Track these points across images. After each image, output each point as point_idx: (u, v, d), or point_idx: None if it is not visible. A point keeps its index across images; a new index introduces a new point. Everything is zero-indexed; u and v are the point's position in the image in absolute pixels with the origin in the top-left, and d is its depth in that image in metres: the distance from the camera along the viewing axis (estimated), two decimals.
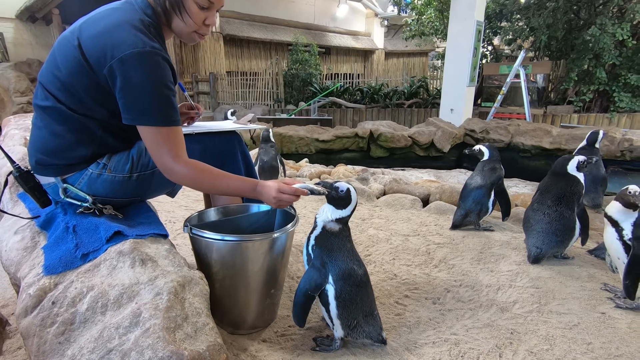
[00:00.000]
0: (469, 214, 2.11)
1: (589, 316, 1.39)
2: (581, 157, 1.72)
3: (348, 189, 1.14)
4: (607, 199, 2.62)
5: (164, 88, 1.00)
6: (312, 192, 1.13)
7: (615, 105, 7.39)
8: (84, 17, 1.06)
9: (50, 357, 0.83)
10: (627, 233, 1.39)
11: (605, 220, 1.46)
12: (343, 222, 1.16)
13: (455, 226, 2.15)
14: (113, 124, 1.09)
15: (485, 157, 2.13)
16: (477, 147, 2.15)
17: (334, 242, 1.14)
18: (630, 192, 1.37)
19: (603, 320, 1.37)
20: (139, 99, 0.98)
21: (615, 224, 1.43)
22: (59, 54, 1.03)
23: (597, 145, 2.53)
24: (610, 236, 1.45)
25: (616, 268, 1.51)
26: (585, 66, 7.35)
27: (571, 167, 1.71)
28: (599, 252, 1.85)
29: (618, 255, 1.44)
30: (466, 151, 2.22)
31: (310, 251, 1.17)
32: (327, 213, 1.16)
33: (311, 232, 1.18)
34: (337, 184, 1.14)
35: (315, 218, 1.18)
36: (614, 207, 1.43)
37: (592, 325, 1.34)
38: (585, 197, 2.40)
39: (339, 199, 1.14)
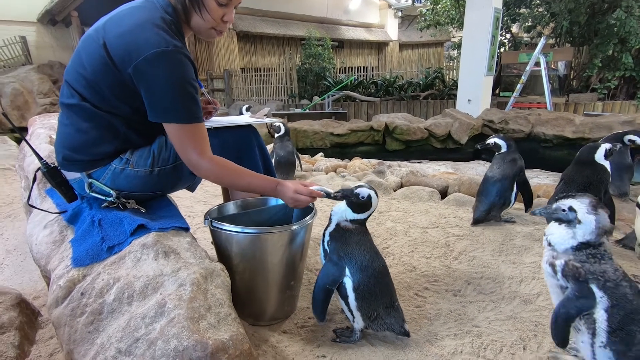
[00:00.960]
0: (492, 209, 2.05)
1: None
2: (607, 145, 1.66)
3: (369, 195, 1.13)
4: (634, 188, 2.52)
5: (188, 85, 1.03)
6: (328, 195, 1.14)
7: None
8: (107, 15, 1.08)
9: (81, 346, 0.87)
10: None
11: (637, 209, 1.41)
12: (359, 222, 1.16)
13: (477, 221, 2.08)
14: (136, 120, 1.11)
15: (503, 149, 2.06)
16: (491, 140, 2.07)
17: (349, 236, 1.15)
18: None
19: None
20: (163, 97, 1.01)
21: None
22: (84, 53, 1.06)
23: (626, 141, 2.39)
24: None
25: None
26: (610, 51, 7.06)
27: (599, 156, 1.65)
28: (628, 241, 1.79)
29: None
30: (478, 146, 2.11)
31: (327, 246, 1.18)
32: (344, 213, 1.16)
33: (326, 228, 1.19)
34: (357, 190, 1.13)
35: (331, 213, 1.19)
36: None
37: None
38: (611, 186, 2.31)
39: (358, 204, 1.14)
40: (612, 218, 1.71)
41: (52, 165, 1.15)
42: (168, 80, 1.00)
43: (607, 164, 1.66)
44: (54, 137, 1.93)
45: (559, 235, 1.02)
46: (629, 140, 2.36)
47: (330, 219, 1.19)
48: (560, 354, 1.15)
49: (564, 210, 1.01)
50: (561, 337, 0.99)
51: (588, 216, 0.97)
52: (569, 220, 1.00)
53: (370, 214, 1.18)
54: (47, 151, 1.66)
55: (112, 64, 1.01)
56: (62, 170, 1.16)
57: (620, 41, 6.90)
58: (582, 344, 0.97)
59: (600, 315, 0.93)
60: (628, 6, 6.49)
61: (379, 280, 1.14)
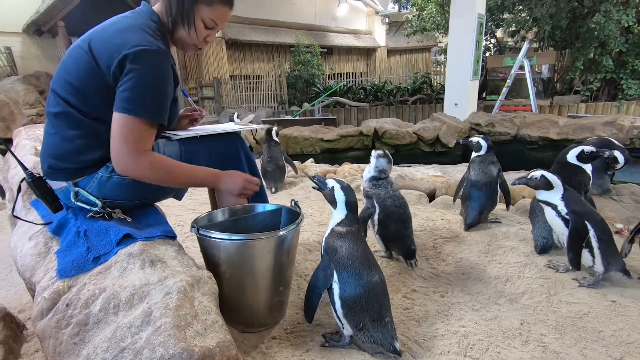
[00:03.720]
0: (483, 211, 2.07)
1: (599, 305, 1.38)
2: (587, 148, 1.70)
3: (332, 187, 1.18)
4: (616, 186, 2.59)
5: (161, 86, 1.06)
6: (315, 180, 1.21)
7: (623, 92, 7.27)
8: (94, 27, 1.12)
9: (66, 358, 0.86)
10: (562, 209, 1.49)
11: (541, 204, 1.58)
12: (348, 224, 1.17)
13: (471, 226, 2.08)
14: None
15: (483, 150, 2.09)
16: (474, 138, 2.11)
17: (341, 243, 1.15)
18: (532, 177, 1.55)
19: (614, 308, 1.36)
20: (133, 88, 1.02)
21: (547, 204, 1.54)
22: (70, 60, 1.09)
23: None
24: (550, 215, 1.55)
25: (563, 243, 1.57)
26: (591, 54, 7.24)
27: (570, 157, 1.70)
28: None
29: (562, 230, 1.52)
30: (461, 141, 2.21)
31: (323, 251, 1.19)
32: (333, 217, 1.20)
33: (325, 235, 1.21)
34: (327, 181, 1.19)
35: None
36: (537, 193, 1.58)
37: (602, 313, 1.33)
38: (593, 185, 2.37)
39: (327, 195, 1.18)
40: None
41: (37, 175, 1.15)
42: (144, 76, 1.02)
43: (586, 166, 1.70)
44: (39, 148, 1.91)
45: (365, 172, 1.74)
46: (612, 157, 2.34)
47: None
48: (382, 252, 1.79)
49: (372, 158, 1.70)
50: (364, 230, 1.70)
51: (373, 160, 1.69)
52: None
53: (350, 211, 1.17)
54: (32, 162, 1.64)
55: (98, 68, 1.04)
56: (47, 180, 1.16)
57: (601, 44, 7.09)
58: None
59: (375, 216, 1.66)
60: (606, 11, 6.67)
61: (366, 292, 1.11)
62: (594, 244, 1.44)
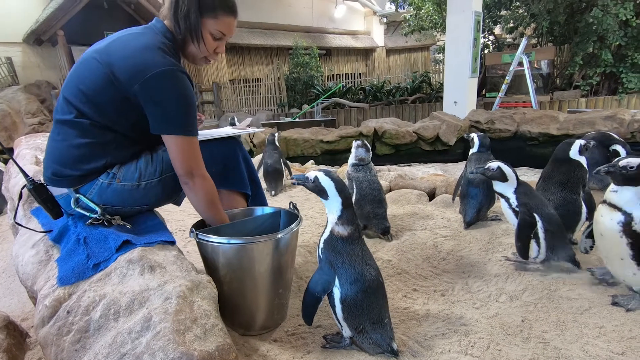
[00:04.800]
0: (481, 209, 2.08)
1: (600, 300, 1.37)
2: (582, 141, 1.71)
3: (315, 177, 1.12)
4: None
5: (189, 101, 1.12)
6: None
7: (623, 86, 7.25)
8: (107, 40, 1.15)
9: None
10: (514, 201, 1.57)
11: (497, 195, 1.66)
12: (348, 220, 1.12)
13: (470, 224, 2.09)
14: (130, 136, 1.18)
15: (475, 147, 2.16)
16: (471, 134, 2.22)
17: (342, 246, 1.11)
18: (490, 167, 1.60)
19: None
20: (169, 110, 1.09)
21: (501, 196, 1.61)
22: (85, 71, 1.12)
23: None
24: (504, 206, 1.62)
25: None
26: (590, 49, 7.23)
27: (573, 152, 1.70)
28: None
29: (512, 222, 1.59)
30: (465, 135, 2.34)
31: (320, 254, 1.16)
32: (329, 214, 1.14)
33: (322, 235, 1.17)
34: (307, 174, 1.14)
35: (327, 218, 1.17)
36: (493, 184, 1.65)
37: (603, 309, 1.33)
38: (594, 179, 2.36)
39: (313, 188, 1.13)
40: (592, 213, 1.75)
41: (39, 182, 1.17)
42: (173, 96, 1.08)
43: (582, 160, 1.70)
44: (40, 157, 1.93)
45: (349, 158, 2.06)
46: (613, 150, 2.35)
47: (326, 224, 1.16)
48: None
49: (353, 148, 2.03)
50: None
51: (353, 150, 2.03)
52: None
53: (345, 204, 1.11)
54: (33, 172, 1.66)
55: (117, 82, 1.08)
56: (48, 187, 1.18)
57: (599, 38, 7.08)
58: None
59: (353, 195, 1.95)
60: (604, 5, 6.66)
61: (367, 295, 1.10)
62: (541, 234, 1.52)
